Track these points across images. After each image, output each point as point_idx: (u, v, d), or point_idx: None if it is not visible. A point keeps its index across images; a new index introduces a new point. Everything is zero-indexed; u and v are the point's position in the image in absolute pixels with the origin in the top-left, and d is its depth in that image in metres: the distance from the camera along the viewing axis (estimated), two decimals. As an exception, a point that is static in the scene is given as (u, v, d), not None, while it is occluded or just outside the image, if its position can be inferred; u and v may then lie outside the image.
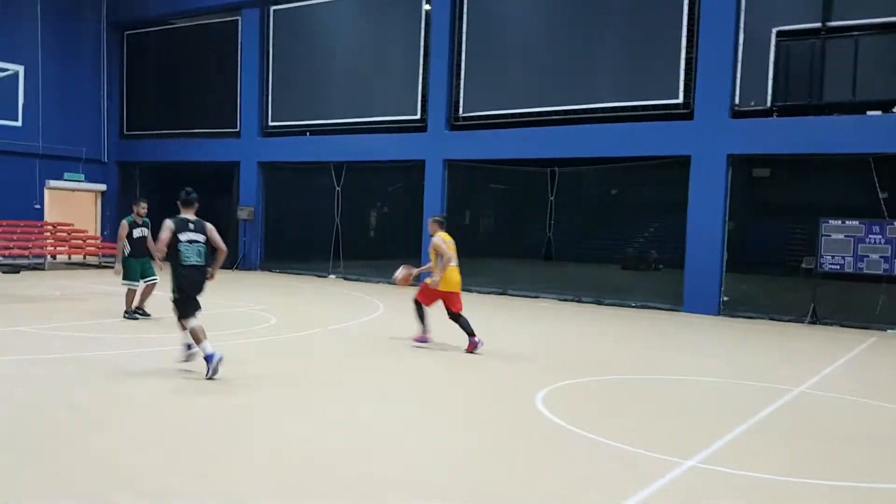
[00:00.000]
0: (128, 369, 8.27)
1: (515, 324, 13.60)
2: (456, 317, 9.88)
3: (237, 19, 22.43)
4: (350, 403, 7.25)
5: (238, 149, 22.50)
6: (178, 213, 8.13)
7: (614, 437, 6.17)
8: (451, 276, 9.79)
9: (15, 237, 20.54)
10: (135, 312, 11.72)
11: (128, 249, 11.73)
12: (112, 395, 7.23)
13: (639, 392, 8.32)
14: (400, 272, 10.66)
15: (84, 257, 21.53)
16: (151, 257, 11.18)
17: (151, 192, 25.04)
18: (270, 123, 22.03)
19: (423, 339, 10.16)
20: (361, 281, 19.94)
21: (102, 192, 24.92)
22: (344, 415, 6.81)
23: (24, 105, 15.79)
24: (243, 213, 22.01)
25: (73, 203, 24.36)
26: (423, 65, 19.24)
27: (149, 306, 11.88)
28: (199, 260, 7.90)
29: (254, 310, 13.51)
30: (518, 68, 18.17)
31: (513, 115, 18.06)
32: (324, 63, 21.12)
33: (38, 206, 23.19)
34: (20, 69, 15.55)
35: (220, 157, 22.91)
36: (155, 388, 7.45)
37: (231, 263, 22.32)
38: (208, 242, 8.00)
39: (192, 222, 7.95)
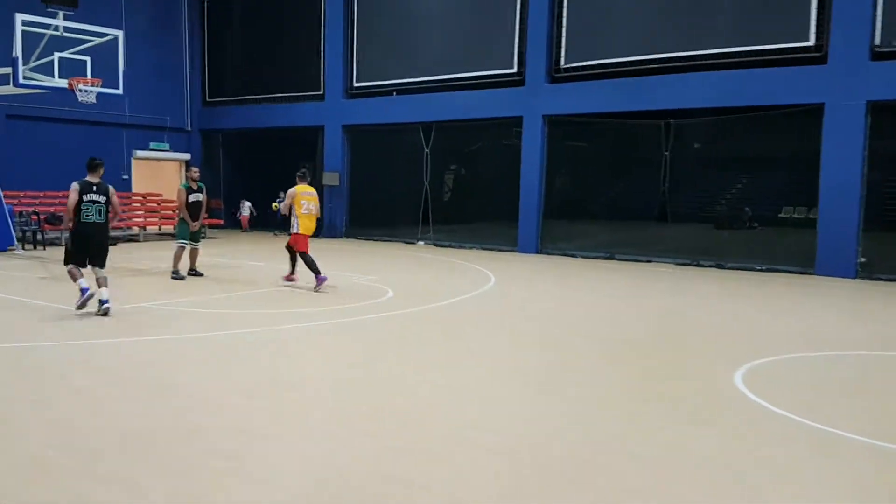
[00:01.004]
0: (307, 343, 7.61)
1: (660, 293, 12.27)
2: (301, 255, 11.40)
3: (320, -24, 21.59)
4: (553, 389, 6.41)
5: (322, 112, 21.79)
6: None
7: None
8: (302, 221, 11.45)
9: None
10: (189, 272, 12.27)
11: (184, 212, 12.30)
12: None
13: (859, 371, 7.22)
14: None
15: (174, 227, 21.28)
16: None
17: (234, 158, 24.80)
18: (355, 84, 21.20)
19: (291, 279, 11.77)
20: (454, 247, 19.08)
21: (186, 161, 24.65)
22: (547, 405, 5.98)
23: (124, 72, 15.24)
24: (329, 179, 21.36)
25: (157, 172, 24.16)
26: (521, 14, 18.02)
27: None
28: (98, 218, 9.00)
29: (363, 280, 12.79)
30: (625, 11, 16.80)
31: (619, 65, 16.72)
32: (411, 19, 20.11)
33: (125, 177, 23.03)
34: (120, 34, 15.00)
35: (304, 121, 22.25)
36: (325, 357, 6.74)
37: (316, 231, 21.81)
38: (108, 203, 9.05)
39: (96, 185, 9.00)
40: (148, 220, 21.05)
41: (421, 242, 20.08)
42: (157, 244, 18.74)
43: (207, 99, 24.69)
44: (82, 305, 8.75)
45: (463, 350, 7.71)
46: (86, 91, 14.07)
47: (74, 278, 8.97)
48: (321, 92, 21.88)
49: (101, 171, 9.09)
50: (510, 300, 11.27)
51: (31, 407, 5.38)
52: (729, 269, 15.29)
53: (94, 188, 9.02)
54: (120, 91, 15.13)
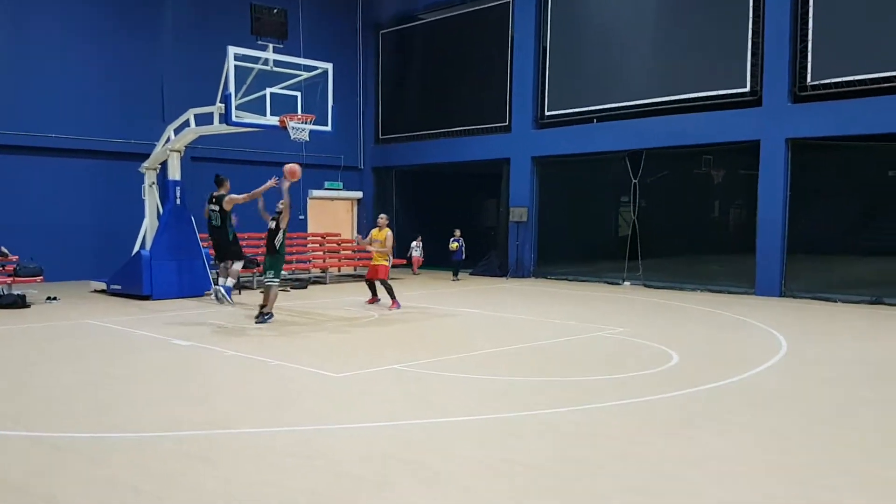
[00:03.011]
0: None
1: None
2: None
3: (509, 2, 20.26)
4: None
5: (508, 144, 20.30)
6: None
7: None
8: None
9: (293, 251, 19.62)
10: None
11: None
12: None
13: None
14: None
15: (355, 269, 20.15)
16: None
17: (407, 196, 23.70)
18: (547, 113, 19.59)
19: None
20: (671, 289, 16.89)
21: (359, 200, 23.80)
22: None
23: (333, 108, 14.17)
24: (516, 215, 19.73)
25: (328, 212, 23.40)
26: (754, 25, 15.86)
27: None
28: (216, 223, 12.23)
29: (613, 334, 10.91)
30: (880, 18, 14.36)
31: (881, 80, 14.24)
32: (614, 39, 18.35)
33: (301, 217, 22.36)
34: (329, 66, 13.99)
35: (486, 154, 20.84)
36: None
37: (501, 271, 20.20)
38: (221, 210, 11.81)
39: (215, 197, 12.17)
40: (328, 260, 20.04)
41: (627, 283, 18.01)
42: (344, 286, 17.61)
43: (381, 136, 23.81)
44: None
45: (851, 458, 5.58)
46: (298, 128, 13.03)
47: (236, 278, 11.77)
48: (507, 123, 20.41)
49: (226, 185, 12.03)
50: (839, 371, 8.99)
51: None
52: None
53: (213, 199, 11.92)
54: (328, 128, 14.03)
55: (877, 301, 14.26)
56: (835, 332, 11.37)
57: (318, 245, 20.84)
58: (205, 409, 6.43)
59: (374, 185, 23.88)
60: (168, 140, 15.22)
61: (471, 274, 19.77)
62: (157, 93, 19.17)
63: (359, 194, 23.68)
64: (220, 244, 12.43)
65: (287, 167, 11.47)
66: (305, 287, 17.20)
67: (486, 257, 20.83)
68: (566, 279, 19.12)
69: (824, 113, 14.89)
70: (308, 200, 22.53)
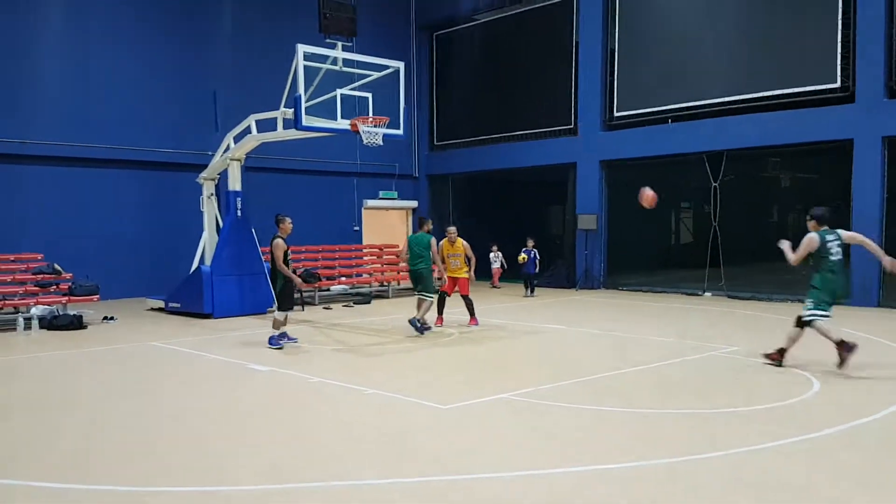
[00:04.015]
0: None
1: None
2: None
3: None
4: None
5: (574, 148, 19.32)
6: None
7: None
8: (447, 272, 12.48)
9: (352, 262, 18.91)
10: (422, 325, 11.46)
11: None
12: None
13: None
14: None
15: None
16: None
17: (464, 204, 22.83)
18: (616, 114, 18.58)
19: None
20: (757, 300, 15.76)
21: (413, 209, 23.00)
22: None
23: (405, 110, 13.32)
24: (584, 223, 18.72)
25: (383, 222, 22.63)
26: (844, 15, 14.74)
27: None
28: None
29: (735, 354, 9.91)
30: None
31: None
32: (689, 35, 17.29)
33: (357, 228, 21.63)
34: (400, 66, 13.16)
35: (550, 159, 19.89)
36: None
37: (569, 282, 19.20)
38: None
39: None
40: (385, 273, 19.18)
41: (707, 294, 16.90)
42: (405, 300, 16.73)
43: (436, 143, 22.99)
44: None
45: None
46: (371, 132, 12.21)
47: (277, 327, 10.26)
48: (572, 125, 19.44)
49: (289, 226, 10.31)
50: None
51: None
52: None
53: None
54: (400, 131, 13.20)
55: None
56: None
57: (375, 258, 20.06)
58: (310, 454, 5.59)
59: (429, 193, 23.07)
60: (227, 148, 14.56)
61: (537, 285, 18.77)
62: (209, 101, 18.57)
63: (414, 203, 22.88)
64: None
65: (645, 195, 11.42)
66: (369, 302, 16.40)
67: (553, 268, 19.82)
68: (640, 290, 18.05)
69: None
70: (362, 211, 21.78)
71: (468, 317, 12.28)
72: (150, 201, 17.84)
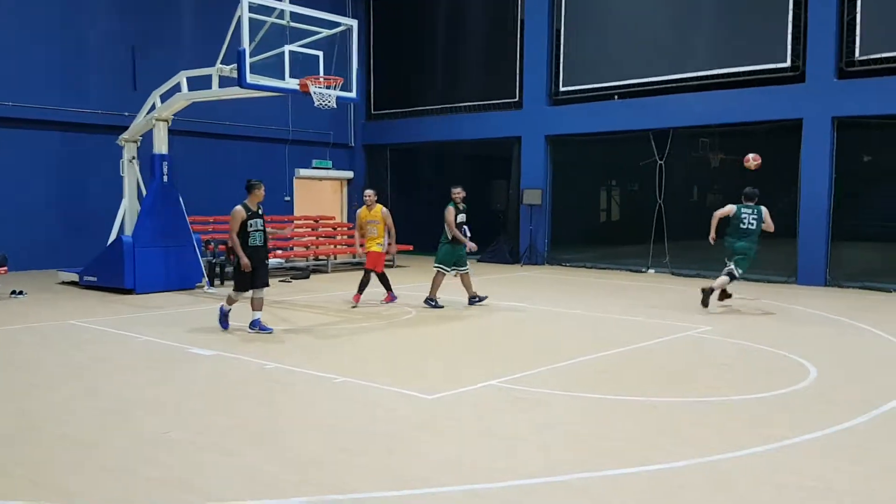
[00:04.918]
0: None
1: None
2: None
3: (517, -35, 18.63)
4: None
5: (519, 121, 18.72)
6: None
7: None
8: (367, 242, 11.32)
9: (289, 233, 17.76)
10: (472, 300, 11.35)
11: (450, 234, 11.21)
12: None
13: None
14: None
15: (354, 256, 18.10)
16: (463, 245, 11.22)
17: (403, 176, 21.98)
18: (562, 89, 18.06)
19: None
20: (704, 277, 15.63)
21: (349, 180, 21.95)
22: None
23: (357, 72, 12.26)
24: (530, 197, 18.19)
25: (316, 193, 21.50)
26: (797, -4, 14.65)
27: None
28: (261, 242, 9.00)
29: (713, 335, 9.59)
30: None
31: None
32: (638, 11, 16.88)
33: (287, 199, 20.43)
34: (353, 24, 12.07)
35: (494, 132, 19.24)
36: None
37: (512, 257, 18.71)
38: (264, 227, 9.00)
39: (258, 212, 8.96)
40: (322, 248, 18.12)
41: (651, 270, 16.76)
42: (346, 275, 15.81)
43: (373, 111, 21.93)
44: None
45: None
46: (323, 94, 11.15)
47: (231, 303, 9.15)
48: (517, 98, 18.82)
49: (261, 193, 8.95)
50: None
51: None
52: None
53: (257, 211, 8.92)
54: (353, 94, 12.18)
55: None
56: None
57: (310, 230, 18.98)
58: (292, 461, 4.76)
59: (365, 164, 22.05)
60: (153, 108, 13.20)
61: (479, 261, 18.19)
62: (126, 58, 16.91)
63: (349, 174, 21.83)
64: (265, 267, 9.27)
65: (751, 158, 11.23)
66: (307, 277, 15.39)
67: (495, 243, 19.25)
68: (583, 266, 17.74)
69: (873, 89, 13.77)
70: (294, 181, 20.59)
71: (444, 294, 11.51)
72: (61, 164, 16.16)
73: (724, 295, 11.32)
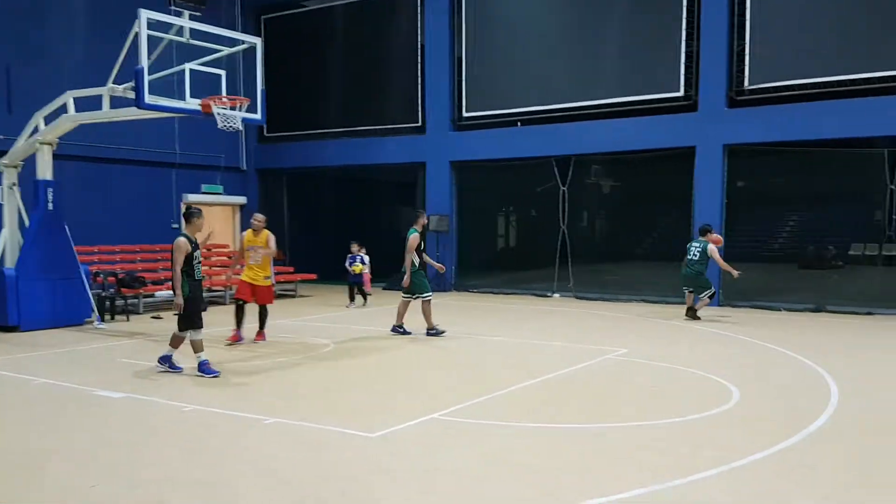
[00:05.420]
0: None
1: None
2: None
3: (416, -10, 18.65)
4: None
5: (423, 147, 18.64)
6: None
7: None
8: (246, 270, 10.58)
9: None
10: (430, 332, 11.12)
11: (417, 262, 11.44)
12: None
13: None
14: None
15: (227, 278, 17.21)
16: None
17: (301, 203, 21.43)
18: (465, 115, 18.19)
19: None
20: (606, 300, 16.07)
21: (242, 206, 21.12)
22: None
23: (262, 92, 11.71)
24: (438, 224, 18.08)
25: (206, 220, 20.41)
26: (688, 27, 15.37)
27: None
28: (202, 276, 8.66)
29: (632, 357, 9.74)
30: (820, 19, 14.36)
31: (820, 85, 14.22)
32: (539, 40, 17.26)
33: (175, 226, 19.34)
34: (257, 41, 11.59)
35: (398, 157, 19.08)
36: None
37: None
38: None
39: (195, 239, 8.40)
40: (215, 278, 17.21)
41: (556, 294, 17.03)
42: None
43: (266, 134, 21.26)
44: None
45: None
46: (227, 115, 10.61)
47: (177, 345, 8.37)
48: (420, 123, 18.77)
49: (201, 223, 8.55)
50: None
51: None
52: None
53: (196, 243, 8.36)
54: (258, 115, 11.67)
55: (818, 309, 14.23)
56: (851, 344, 10.83)
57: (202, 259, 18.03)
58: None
59: (259, 189, 21.31)
60: (36, 130, 12.19)
61: (384, 289, 17.88)
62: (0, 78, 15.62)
63: (242, 199, 21.01)
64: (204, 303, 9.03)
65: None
66: (205, 309, 14.50)
67: (403, 270, 18.93)
68: (490, 292, 17.79)
69: (762, 118, 14.68)
70: (182, 206, 19.56)
71: (356, 325, 11.10)
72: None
73: (692, 311, 13.18)
